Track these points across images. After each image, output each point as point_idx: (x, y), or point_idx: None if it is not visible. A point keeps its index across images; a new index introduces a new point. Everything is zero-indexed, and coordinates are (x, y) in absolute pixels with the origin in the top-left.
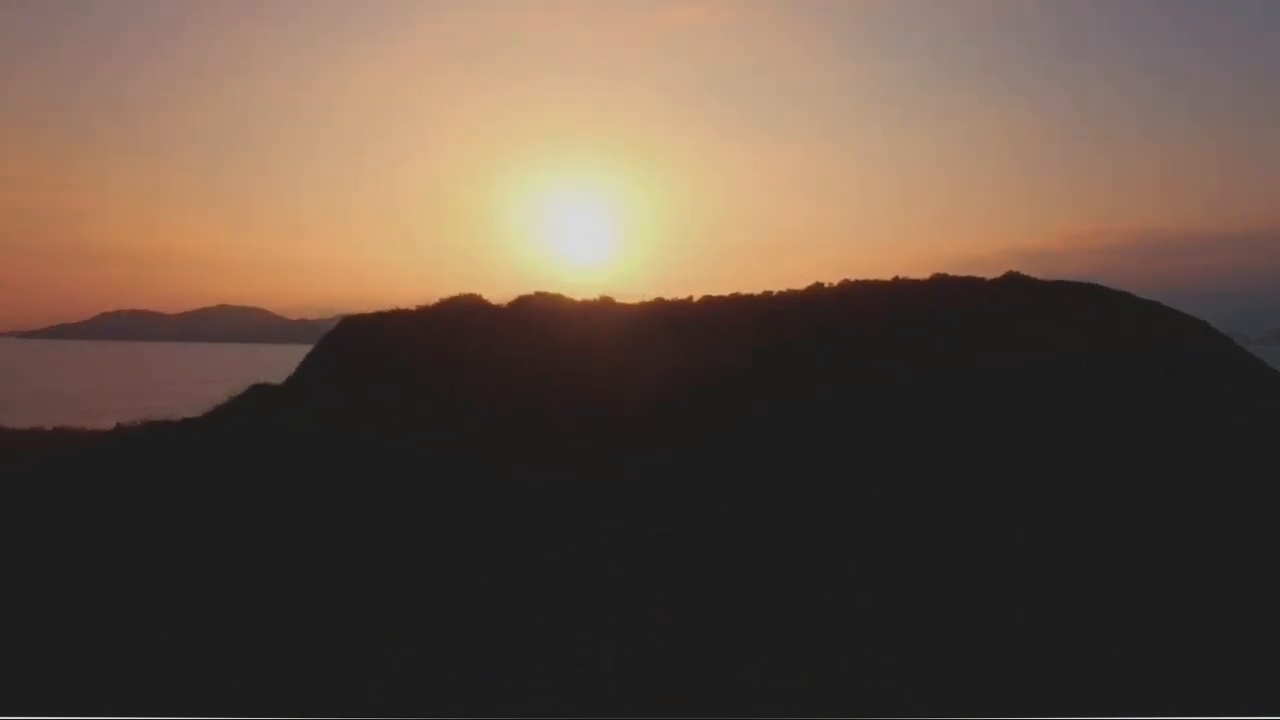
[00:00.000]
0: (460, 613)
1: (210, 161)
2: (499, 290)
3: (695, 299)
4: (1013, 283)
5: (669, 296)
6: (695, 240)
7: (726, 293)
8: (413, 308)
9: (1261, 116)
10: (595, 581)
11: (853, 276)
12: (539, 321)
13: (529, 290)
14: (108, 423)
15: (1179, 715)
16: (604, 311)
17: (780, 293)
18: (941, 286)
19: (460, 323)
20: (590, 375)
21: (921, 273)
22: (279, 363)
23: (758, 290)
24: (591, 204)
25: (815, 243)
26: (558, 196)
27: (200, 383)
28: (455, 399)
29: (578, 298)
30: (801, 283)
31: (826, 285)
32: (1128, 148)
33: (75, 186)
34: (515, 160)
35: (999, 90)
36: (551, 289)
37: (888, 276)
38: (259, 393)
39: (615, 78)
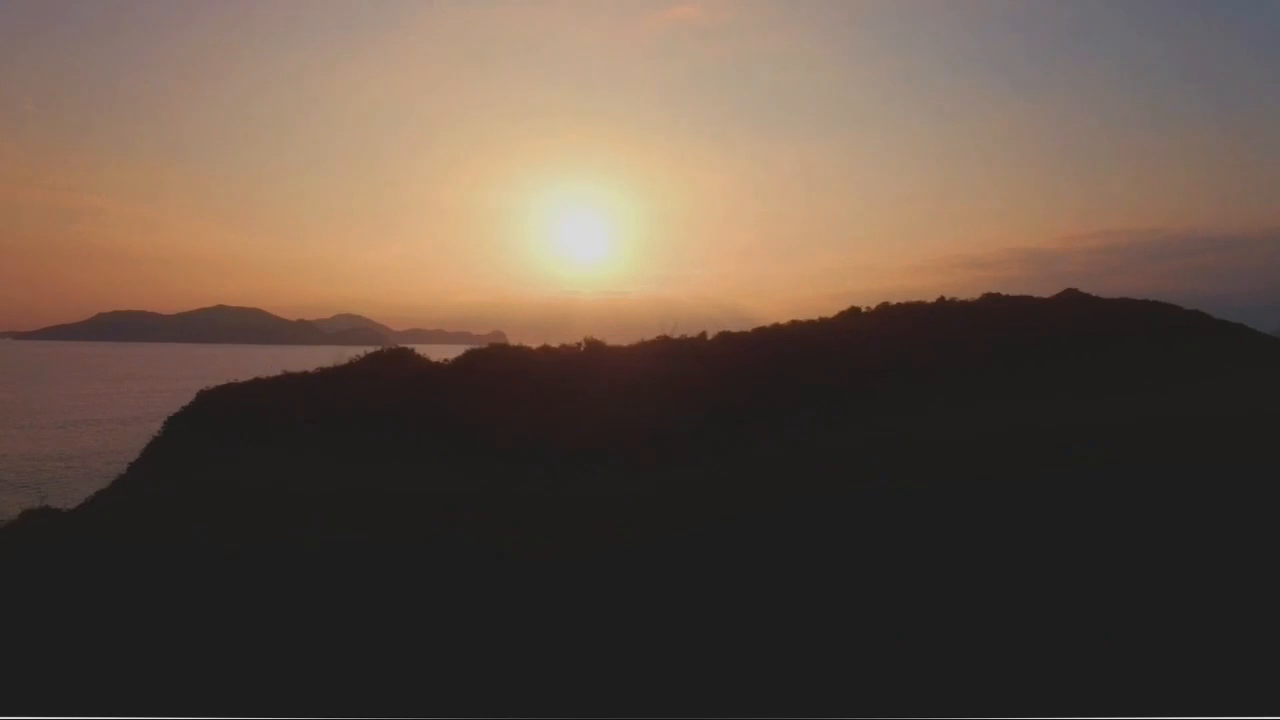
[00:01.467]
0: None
1: (209, 162)
2: (494, 292)
3: (709, 336)
4: (1072, 302)
5: (666, 295)
6: (695, 239)
7: (741, 300)
8: (311, 370)
9: (1262, 116)
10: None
11: (891, 298)
12: (494, 386)
13: (529, 292)
14: None
15: (1179, 715)
16: (586, 366)
17: (810, 322)
18: (994, 308)
19: (376, 395)
20: (571, 463)
21: (926, 275)
22: (262, 365)
23: (775, 299)
24: (592, 203)
25: (816, 242)
26: (558, 195)
27: (143, 394)
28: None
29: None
30: (816, 288)
31: (864, 310)
32: (1128, 148)
33: (74, 187)
34: (515, 159)
35: (999, 90)
36: (549, 288)
37: (903, 282)
38: (32, 523)
39: (614, 76)
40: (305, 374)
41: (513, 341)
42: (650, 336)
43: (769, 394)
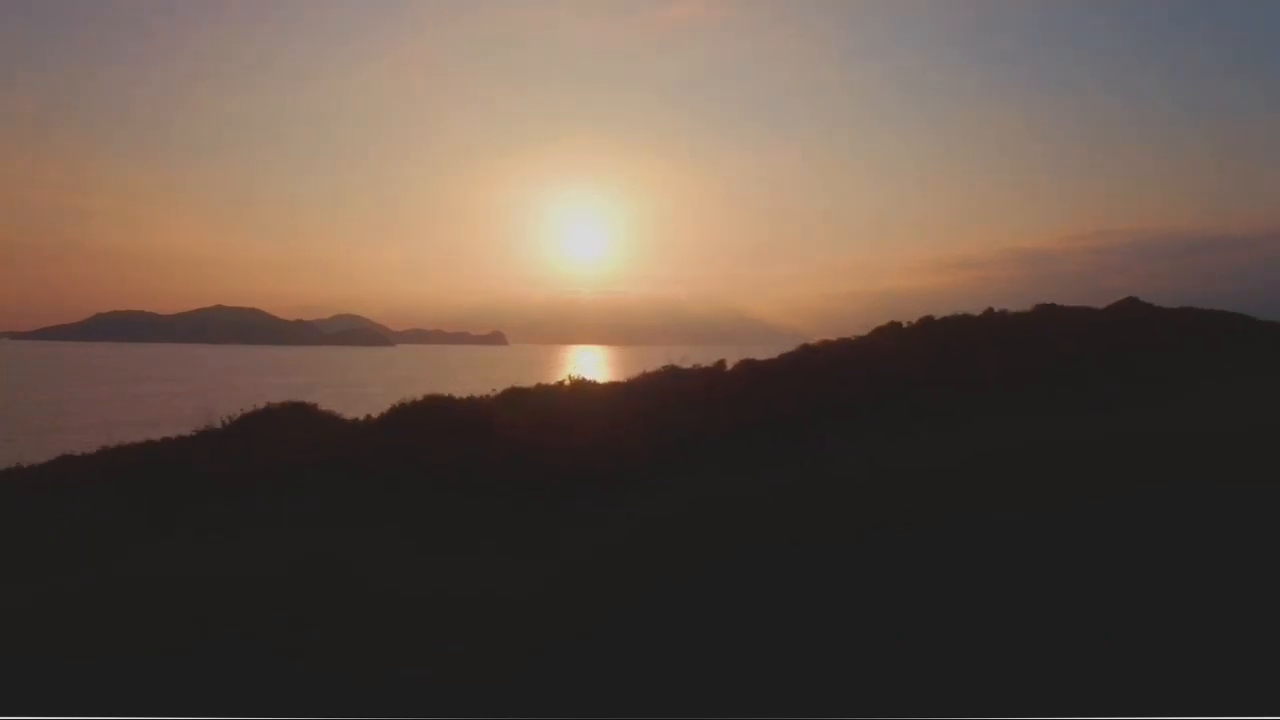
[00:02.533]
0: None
1: (207, 161)
2: (494, 292)
3: (729, 366)
4: (1133, 311)
5: (667, 295)
6: (696, 239)
7: (742, 300)
8: (161, 438)
9: (1261, 116)
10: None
11: (890, 298)
12: (427, 452)
13: (545, 289)
14: None
15: (1179, 715)
16: (567, 408)
17: (845, 341)
18: (1049, 318)
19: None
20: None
21: (925, 275)
22: (261, 365)
23: (775, 300)
24: (592, 202)
25: (815, 242)
26: (557, 195)
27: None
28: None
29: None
30: (816, 287)
31: (905, 325)
32: (1127, 148)
33: (71, 186)
34: (514, 158)
35: (999, 90)
36: (550, 288)
37: (901, 282)
38: None
39: (614, 75)
40: (167, 441)
41: (512, 342)
42: (654, 338)
43: (798, 439)
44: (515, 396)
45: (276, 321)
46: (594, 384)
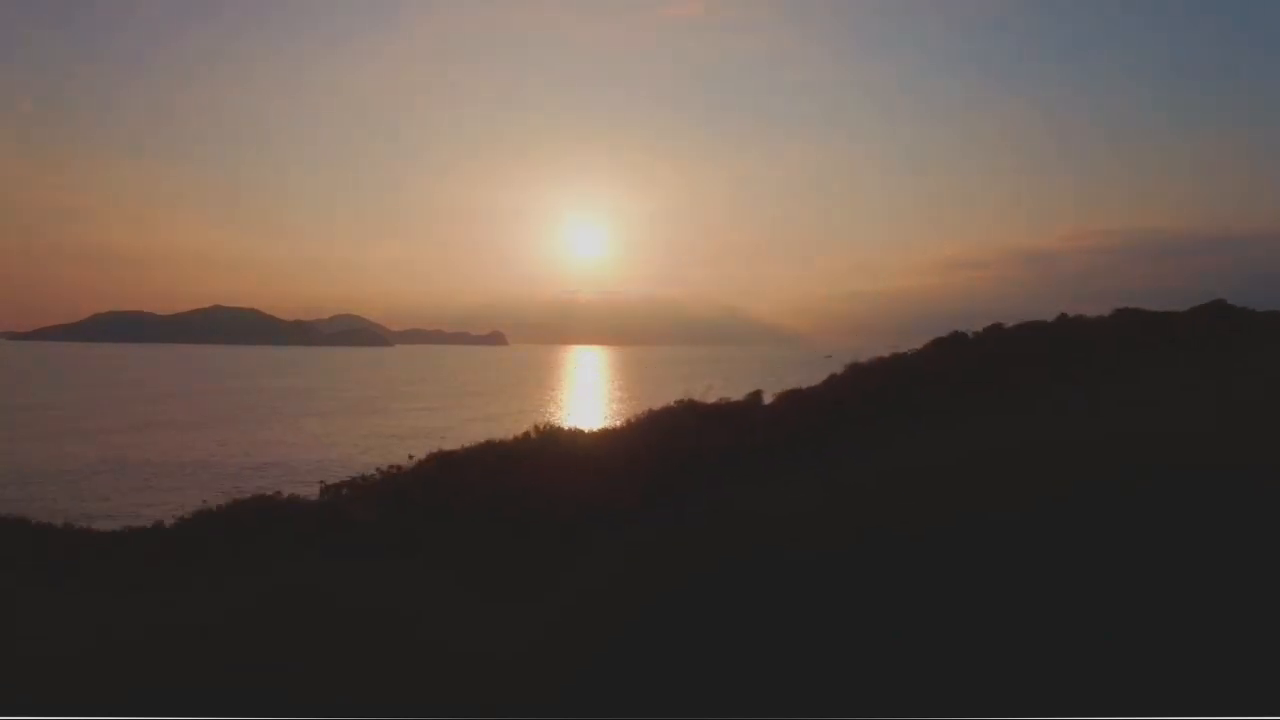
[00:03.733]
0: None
1: (204, 161)
2: (493, 292)
3: (767, 399)
4: (1221, 313)
5: (666, 295)
6: (695, 239)
7: (741, 300)
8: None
9: (1261, 117)
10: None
11: (891, 299)
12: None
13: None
14: None
15: (1179, 715)
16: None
17: (899, 357)
18: (1130, 324)
19: None
20: None
21: (925, 275)
22: (260, 365)
23: (775, 300)
24: (591, 202)
25: (815, 242)
26: (557, 194)
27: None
28: None
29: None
30: (817, 287)
31: (970, 335)
32: (1127, 148)
33: (68, 186)
34: (514, 158)
35: (999, 90)
36: (549, 288)
37: (901, 282)
38: None
39: (613, 75)
40: None
41: (512, 342)
42: (654, 338)
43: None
44: (438, 472)
45: (275, 321)
46: (572, 436)
